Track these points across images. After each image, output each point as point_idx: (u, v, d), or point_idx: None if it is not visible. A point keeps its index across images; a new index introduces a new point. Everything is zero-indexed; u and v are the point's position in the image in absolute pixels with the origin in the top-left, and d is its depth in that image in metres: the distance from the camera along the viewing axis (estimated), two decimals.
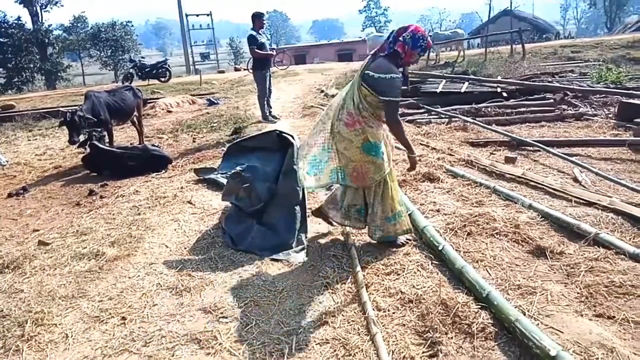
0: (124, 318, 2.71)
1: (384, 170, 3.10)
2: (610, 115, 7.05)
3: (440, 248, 3.09)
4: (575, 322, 2.40)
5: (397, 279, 2.91)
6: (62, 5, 30.85)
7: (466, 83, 9.70)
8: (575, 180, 4.49)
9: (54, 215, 4.69)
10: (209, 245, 3.61)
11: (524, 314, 2.42)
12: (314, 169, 3.20)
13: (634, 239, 3.20)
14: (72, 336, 2.58)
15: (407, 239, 3.36)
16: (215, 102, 11.96)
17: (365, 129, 2.98)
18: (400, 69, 3.01)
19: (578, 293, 2.66)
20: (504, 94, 8.98)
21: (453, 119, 7.34)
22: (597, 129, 6.47)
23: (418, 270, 2.97)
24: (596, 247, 3.10)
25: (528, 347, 2.17)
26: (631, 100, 6.94)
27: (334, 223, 3.59)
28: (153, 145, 6.73)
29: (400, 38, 2.91)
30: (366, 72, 2.97)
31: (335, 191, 3.54)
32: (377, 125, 3.06)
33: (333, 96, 10.65)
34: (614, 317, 2.42)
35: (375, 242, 3.36)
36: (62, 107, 12.32)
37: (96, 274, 3.28)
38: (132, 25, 34.01)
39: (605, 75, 9.99)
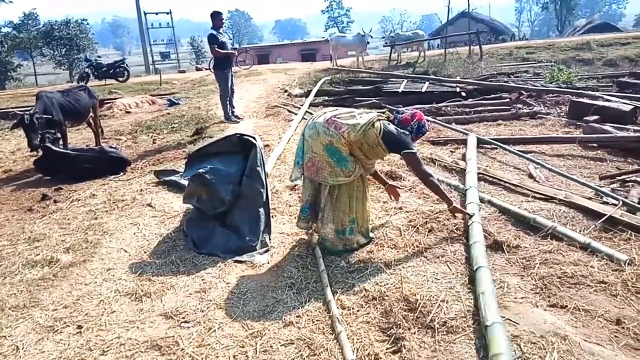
0: (79, 327, 2.61)
1: (339, 180, 3.10)
2: (562, 114, 7.38)
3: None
4: (531, 313, 2.49)
5: (360, 276, 2.94)
6: (10, 2, 29.40)
7: (427, 83, 9.92)
8: (530, 176, 4.67)
9: (4, 221, 4.45)
10: (170, 249, 3.53)
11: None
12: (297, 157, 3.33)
13: (584, 230, 3.36)
14: (23, 348, 2.46)
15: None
16: (176, 102, 11.70)
17: (335, 135, 3.00)
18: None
19: (533, 285, 2.76)
20: (463, 94, 9.24)
21: None
22: (550, 127, 6.75)
23: (381, 267, 3.01)
24: (550, 239, 3.23)
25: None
26: (581, 99, 7.29)
27: (310, 246, 3.45)
28: (110, 146, 6.50)
29: (408, 127, 3.14)
30: (383, 121, 3.10)
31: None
32: (353, 162, 3.08)
33: (297, 96, 10.70)
34: (567, 306, 2.53)
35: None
36: (12, 108, 11.76)
37: (50, 281, 3.14)
38: (88, 24, 32.80)
39: (557, 75, 10.45)
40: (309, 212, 3.34)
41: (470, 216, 3.34)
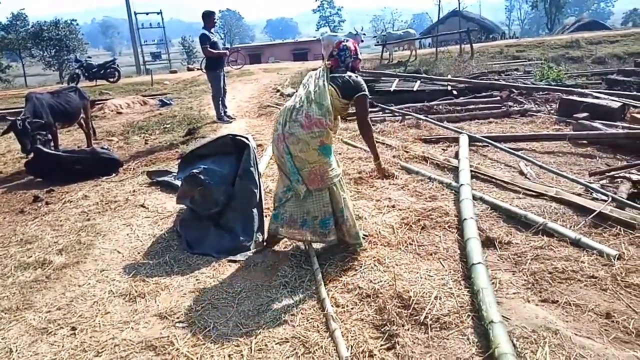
0: (73, 328, 2.60)
1: (339, 171, 3.11)
2: (552, 111, 7.44)
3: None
4: (523, 308, 2.52)
5: (354, 274, 2.95)
6: None
7: (418, 82, 9.96)
8: (521, 173, 4.72)
9: None
10: (163, 249, 3.52)
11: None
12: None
13: (575, 226, 3.40)
14: (17, 350, 2.45)
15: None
16: (168, 102, 11.65)
17: (323, 132, 2.96)
18: None
19: (525, 280, 2.80)
20: (454, 92, 9.28)
21: (406, 117, 7.51)
22: (540, 124, 6.81)
23: (375, 265, 3.03)
24: (541, 235, 3.27)
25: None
26: (571, 97, 7.36)
27: (304, 245, 3.38)
28: (102, 147, 6.47)
29: (354, 56, 3.20)
30: (338, 76, 3.08)
31: (287, 211, 3.19)
32: (334, 127, 3.11)
33: (289, 95, 10.69)
34: (558, 301, 2.57)
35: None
36: (2, 110, 11.64)
37: (43, 283, 3.13)
38: (77, 24, 32.58)
39: (547, 73, 10.53)
40: (332, 221, 3.10)
41: (388, 177, 3.41)
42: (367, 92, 3.13)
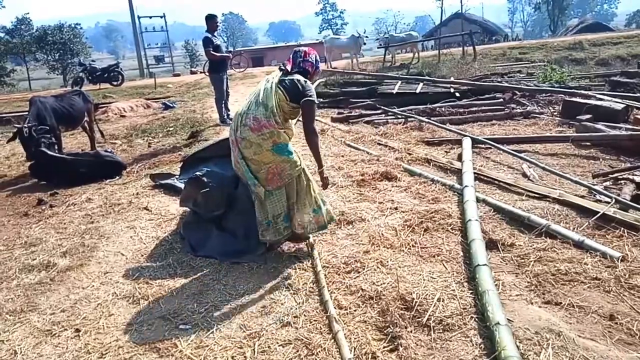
0: (77, 330, 2.61)
1: (298, 165, 3.13)
2: (555, 113, 7.43)
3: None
4: (526, 310, 2.52)
5: (357, 276, 2.95)
6: (3, 7, 29.31)
7: (421, 84, 9.97)
8: (524, 175, 4.71)
9: (0, 226, 4.44)
10: (167, 252, 3.53)
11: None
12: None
13: (578, 228, 3.40)
14: (21, 352, 2.46)
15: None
16: (171, 105, 11.70)
17: (274, 132, 2.98)
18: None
19: (528, 282, 2.79)
20: (457, 94, 9.29)
21: (409, 119, 7.52)
22: (543, 126, 6.80)
23: (377, 267, 3.03)
24: (544, 237, 3.26)
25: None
26: (574, 99, 7.35)
27: (306, 247, 3.42)
28: (106, 151, 6.50)
29: (309, 58, 3.20)
30: (284, 79, 3.09)
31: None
32: (285, 128, 3.10)
33: None
34: (561, 303, 2.56)
35: (306, 238, 3.38)
36: (7, 113, 11.72)
37: (47, 286, 3.14)
38: (81, 28, 32.77)
39: (550, 75, 10.52)
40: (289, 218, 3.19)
41: (326, 184, 3.35)
42: (313, 99, 3.06)
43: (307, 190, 3.21)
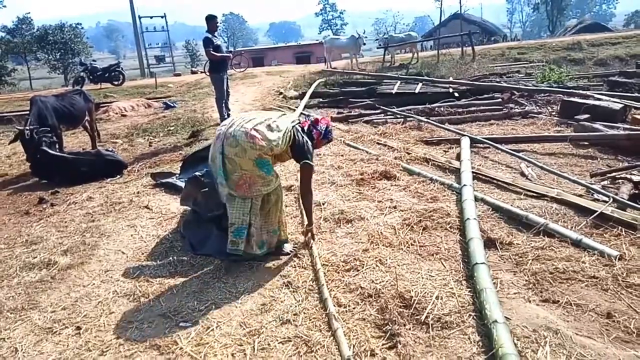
0: (78, 328, 2.63)
1: (272, 186, 3.14)
2: (554, 113, 7.45)
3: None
4: (524, 308, 2.54)
5: (356, 274, 2.97)
6: (4, 6, 29.30)
7: (420, 84, 9.99)
8: (522, 174, 4.73)
9: (1, 225, 4.46)
10: (167, 250, 3.55)
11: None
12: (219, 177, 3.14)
13: (576, 227, 3.42)
14: (22, 350, 2.48)
15: (294, 248, 3.42)
16: (172, 105, 11.72)
17: (264, 149, 2.98)
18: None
19: (526, 280, 2.81)
20: (456, 94, 9.32)
21: (408, 119, 7.54)
22: (541, 126, 6.82)
23: (376, 265, 3.05)
24: (542, 236, 3.28)
25: None
26: (572, 99, 7.37)
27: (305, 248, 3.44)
28: (107, 150, 6.52)
29: (318, 127, 3.29)
30: (300, 134, 3.17)
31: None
32: (272, 158, 3.15)
33: (292, 98, 10.75)
34: (559, 301, 2.58)
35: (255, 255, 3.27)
36: (7, 113, 11.73)
37: (48, 284, 3.16)
38: (82, 27, 32.70)
39: (549, 75, 10.54)
40: (247, 231, 3.15)
41: (309, 246, 3.35)
42: (312, 163, 3.18)
43: (274, 209, 3.24)
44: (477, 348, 2.25)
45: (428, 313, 2.50)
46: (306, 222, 3.42)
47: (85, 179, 5.57)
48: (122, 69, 17.62)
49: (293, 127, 3.17)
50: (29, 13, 31.66)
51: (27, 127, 5.78)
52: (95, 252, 3.60)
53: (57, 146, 6.31)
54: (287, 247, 3.41)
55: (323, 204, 4.15)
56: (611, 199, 3.68)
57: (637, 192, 3.92)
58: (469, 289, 2.71)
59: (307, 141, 3.19)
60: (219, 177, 3.09)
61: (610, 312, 2.45)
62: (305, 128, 3.27)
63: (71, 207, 4.71)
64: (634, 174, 4.24)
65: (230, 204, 3.13)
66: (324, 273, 3.01)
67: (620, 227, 3.32)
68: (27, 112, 6.34)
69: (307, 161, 3.15)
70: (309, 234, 3.40)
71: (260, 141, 2.96)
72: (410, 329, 2.41)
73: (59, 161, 5.73)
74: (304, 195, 3.32)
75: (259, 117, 3.14)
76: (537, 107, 8.02)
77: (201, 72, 19.54)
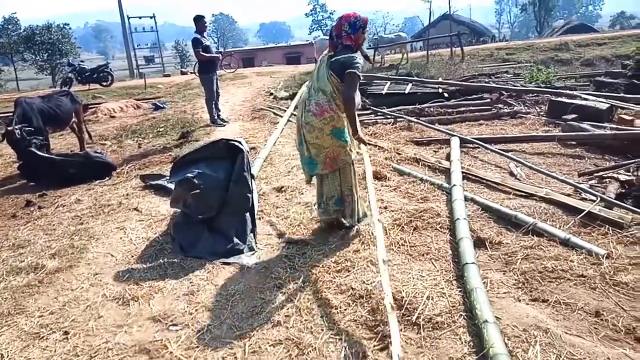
0: (66, 333, 2.59)
1: (352, 156, 3.35)
2: (542, 113, 7.52)
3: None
4: (513, 307, 2.56)
5: (347, 275, 2.97)
6: None
7: (410, 84, 10.02)
8: (511, 174, 4.77)
9: None
10: (157, 253, 3.52)
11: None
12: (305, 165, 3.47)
13: (564, 226, 3.45)
14: (8, 356, 2.44)
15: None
16: (162, 106, 11.62)
17: (334, 117, 3.20)
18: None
19: (515, 280, 2.83)
20: (445, 95, 9.35)
21: (398, 119, 7.56)
22: (530, 125, 6.89)
23: (368, 266, 3.05)
24: (531, 235, 3.31)
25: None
26: (559, 99, 7.44)
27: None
28: (95, 151, 6.44)
29: (343, 32, 3.19)
30: (332, 60, 3.21)
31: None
32: (342, 112, 3.27)
33: (282, 99, 10.72)
34: (548, 300, 2.60)
35: (355, 226, 3.56)
36: None
37: (35, 288, 3.12)
38: (70, 28, 32.34)
39: (537, 75, 10.64)
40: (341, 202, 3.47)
41: (365, 144, 3.50)
42: (354, 70, 3.10)
43: (356, 181, 3.50)
44: (468, 348, 2.26)
45: (419, 314, 2.51)
46: (353, 133, 3.33)
47: (74, 181, 5.49)
48: (110, 69, 17.44)
49: (327, 63, 3.23)
50: (15, 13, 31.26)
51: (17, 127, 5.68)
52: (83, 255, 3.56)
53: (44, 149, 6.23)
54: (365, 220, 3.60)
55: (314, 205, 4.14)
56: (599, 198, 3.72)
57: (623, 191, 3.97)
58: (460, 289, 2.72)
59: (343, 61, 3.12)
60: (310, 167, 3.41)
61: (598, 310, 2.48)
62: (338, 50, 3.22)
63: (59, 210, 4.65)
64: (621, 173, 4.30)
65: (324, 181, 3.47)
66: (315, 274, 3.00)
67: (607, 226, 3.36)
68: (12, 114, 6.24)
69: (349, 70, 3.10)
70: (360, 140, 3.40)
71: (327, 112, 3.17)
72: (401, 330, 2.42)
73: (46, 163, 5.65)
74: (347, 104, 3.16)
75: (308, 89, 3.36)
76: (526, 107, 8.09)
77: (191, 73, 19.45)
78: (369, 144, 6.23)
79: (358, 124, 3.39)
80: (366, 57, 3.78)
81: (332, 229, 3.62)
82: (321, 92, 3.21)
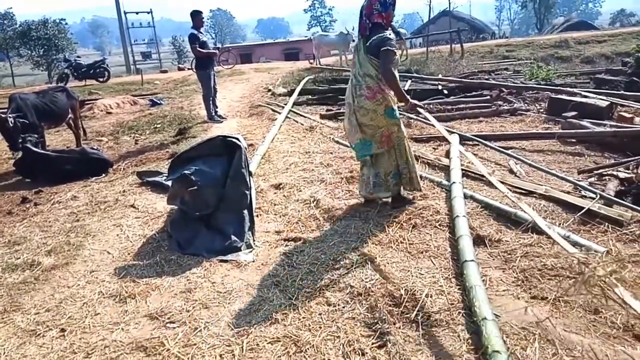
0: (63, 330, 2.57)
1: (403, 131, 3.63)
2: (542, 110, 7.51)
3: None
4: (513, 305, 2.54)
5: (346, 273, 2.96)
6: None
7: (409, 81, 10.00)
8: (511, 171, 4.75)
9: None
10: (154, 250, 3.50)
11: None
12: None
13: (564, 223, 3.44)
14: (4, 353, 2.42)
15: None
16: (159, 102, 11.57)
17: (385, 97, 3.46)
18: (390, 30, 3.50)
19: (515, 277, 2.82)
20: (445, 92, 9.34)
21: None
22: (529, 123, 6.87)
23: (366, 263, 3.03)
24: (530, 233, 3.29)
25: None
26: (559, 96, 7.43)
27: (381, 200, 3.90)
28: (92, 148, 6.41)
29: (374, 11, 3.39)
30: (367, 45, 3.41)
31: (364, 174, 3.83)
32: (389, 90, 3.50)
33: (280, 95, 10.67)
34: (547, 297, 2.59)
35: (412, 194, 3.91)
36: None
37: (31, 285, 3.10)
38: (66, 23, 32.13)
39: (537, 72, 10.63)
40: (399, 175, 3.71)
41: (423, 108, 3.73)
42: (388, 47, 3.30)
43: (411, 154, 3.74)
44: (466, 346, 2.25)
45: (418, 311, 2.50)
46: (401, 103, 3.58)
47: (70, 177, 5.46)
48: (107, 65, 17.34)
49: (363, 49, 3.42)
50: (11, 8, 31.02)
51: (10, 115, 5.61)
52: (80, 252, 3.53)
53: (40, 145, 6.19)
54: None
55: (313, 202, 4.12)
56: (598, 196, 3.71)
57: (623, 188, 3.96)
58: (459, 287, 2.71)
59: (375, 43, 3.33)
60: (365, 149, 3.63)
61: (597, 308, 2.46)
62: (365, 32, 3.43)
63: (55, 207, 4.62)
64: (621, 171, 4.29)
65: (380, 160, 3.68)
66: (313, 272, 2.98)
67: (607, 224, 3.34)
68: (5, 110, 6.17)
69: (383, 49, 3.30)
70: (410, 105, 3.58)
71: (379, 94, 3.41)
72: (400, 328, 2.41)
73: (42, 159, 5.62)
74: (387, 75, 3.38)
75: (354, 76, 3.55)
76: (525, 105, 8.07)
77: (188, 69, 19.37)
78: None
79: (403, 92, 3.56)
80: (397, 33, 3.93)
81: (371, 203, 3.88)
82: (368, 77, 3.43)
